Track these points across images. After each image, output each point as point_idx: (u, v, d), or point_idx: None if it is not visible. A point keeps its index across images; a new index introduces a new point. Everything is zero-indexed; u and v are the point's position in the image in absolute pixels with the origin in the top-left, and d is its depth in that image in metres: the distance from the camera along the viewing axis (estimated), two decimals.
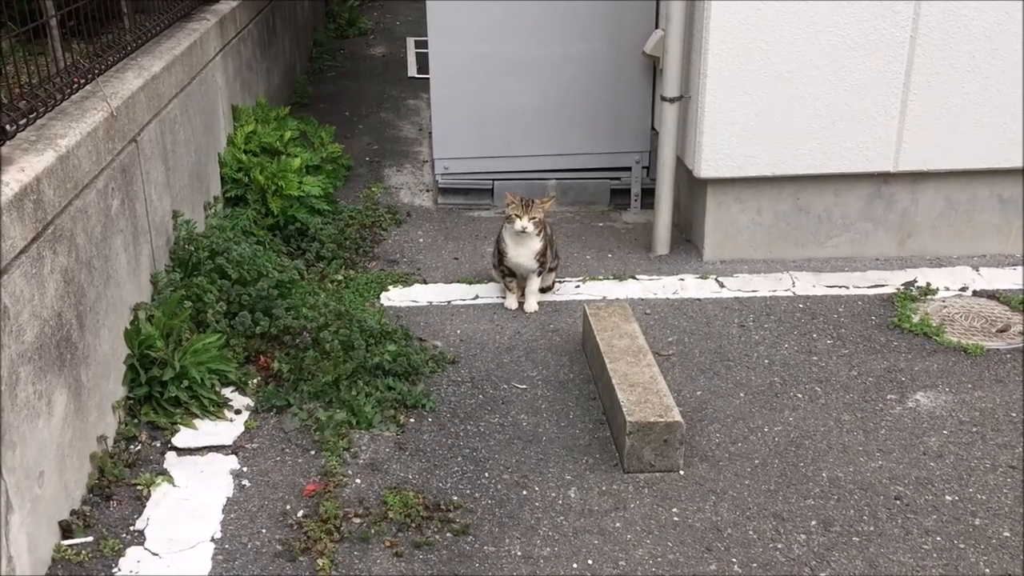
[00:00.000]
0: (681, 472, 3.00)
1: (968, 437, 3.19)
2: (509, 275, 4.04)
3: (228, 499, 2.84)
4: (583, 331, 3.74)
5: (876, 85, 4.21)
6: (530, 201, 3.89)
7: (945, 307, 4.05)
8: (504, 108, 5.03)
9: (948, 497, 2.90)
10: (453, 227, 4.94)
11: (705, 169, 4.31)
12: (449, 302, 4.13)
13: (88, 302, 2.79)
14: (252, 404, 3.29)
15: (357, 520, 2.77)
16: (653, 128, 5.01)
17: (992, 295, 4.15)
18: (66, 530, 2.59)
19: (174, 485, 2.87)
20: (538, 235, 3.90)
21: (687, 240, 4.71)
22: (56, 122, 2.79)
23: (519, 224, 3.84)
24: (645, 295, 4.19)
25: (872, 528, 2.77)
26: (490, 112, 5.03)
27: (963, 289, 4.22)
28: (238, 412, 3.25)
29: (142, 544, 2.63)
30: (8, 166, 2.43)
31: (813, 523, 2.79)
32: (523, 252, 3.92)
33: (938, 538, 2.73)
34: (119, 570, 2.54)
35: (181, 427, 3.11)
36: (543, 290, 4.13)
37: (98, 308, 2.87)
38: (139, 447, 3.01)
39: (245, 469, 2.98)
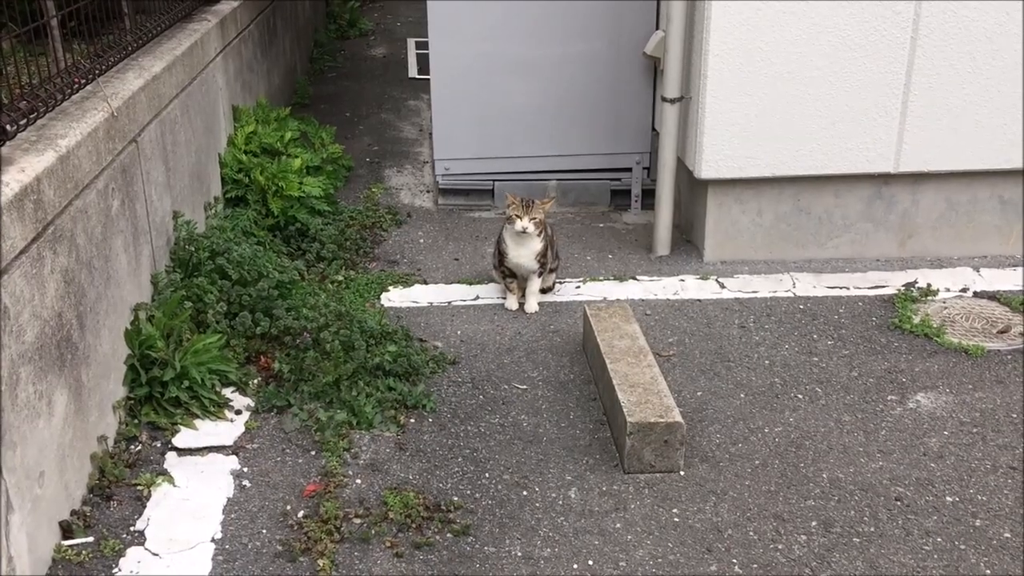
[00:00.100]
0: (681, 473, 3.00)
1: (969, 438, 3.19)
2: (510, 276, 4.04)
3: (228, 499, 2.84)
4: (584, 332, 3.73)
5: (877, 86, 4.21)
6: (531, 202, 3.89)
7: (946, 308, 4.05)
8: (505, 109, 5.03)
9: (949, 498, 2.90)
10: (453, 228, 4.94)
11: (706, 170, 4.31)
12: (449, 303, 4.13)
13: (88, 302, 2.79)
14: (252, 404, 3.29)
15: (357, 520, 2.76)
16: (654, 129, 5.01)
17: (993, 296, 4.15)
18: (66, 530, 2.59)
19: (174, 485, 2.87)
20: (539, 236, 3.90)
21: (688, 241, 4.71)
22: (57, 122, 2.79)
23: (520, 225, 3.84)
24: (646, 296, 4.18)
25: (873, 529, 2.77)
26: (491, 113, 5.04)
27: (964, 290, 4.22)
28: (238, 412, 3.24)
29: (142, 544, 2.63)
30: (8, 166, 2.43)
31: (814, 524, 2.79)
32: (524, 253, 3.92)
33: (939, 539, 2.73)
34: (119, 570, 2.54)
35: (181, 427, 3.11)
36: (544, 291, 4.13)
37: (98, 308, 2.87)
38: (139, 447, 3.01)
39: (245, 469, 2.98)
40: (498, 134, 5.08)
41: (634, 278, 4.36)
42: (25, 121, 2.61)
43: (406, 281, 4.30)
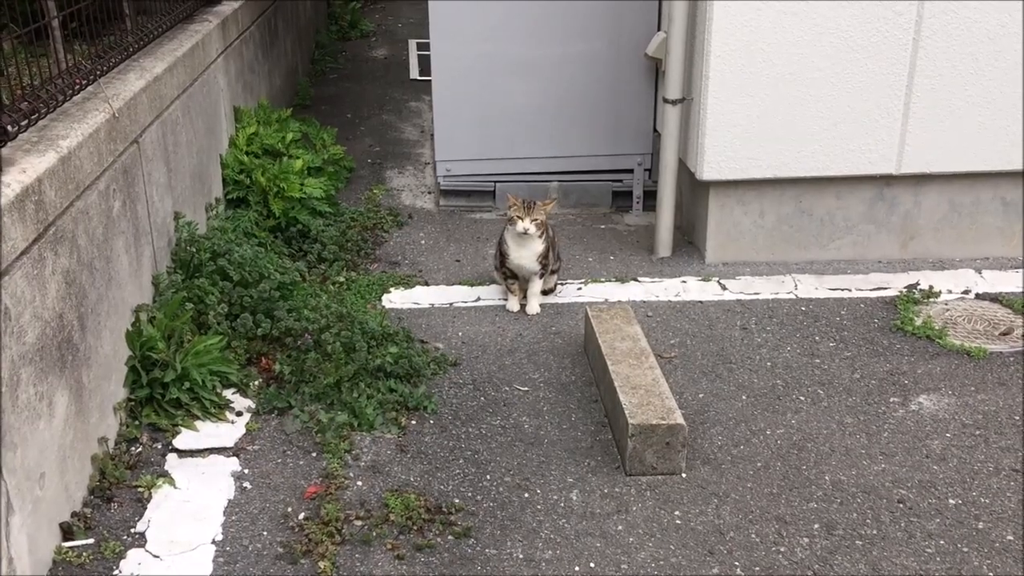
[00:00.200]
0: (683, 475, 3.00)
1: (971, 440, 3.18)
2: (511, 277, 4.04)
3: (229, 501, 2.83)
4: (585, 333, 3.73)
5: (879, 87, 4.20)
6: (532, 203, 3.89)
7: (948, 310, 4.04)
8: (506, 110, 5.03)
9: (951, 500, 2.89)
10: (455, 229, 4.93)
11: (707, 171, 4.30)
12: (451, 304, 4.13)
13: (89, 303, 2.79)
14: (253, 406, 3.29)
15: (358, 522, 2.76)
16: (655, 130, 5.01)
17: (995, 298, 4.15)
18: (67, 532, 2.58)
19: (175, 487, 2.86)
20: (540, 237, 3.89)
21: (689, 242, 4.71)
22: (58, 123, 2.79)
23: (521, 226, 3.83)
24: (647, 297, 4.18)
25: (875, 531, 2.76)
26: (492, 114, 5.03)
27: (966, 292, 4.21)
28: (239, 414, 3.24)
29: (143, 546, 2.63)
30: (10, 167, 2.43)
31: (816, 526, 2.78)
32: (525, 254, 3.92)
33: (941, 542, 2.72)
34: (120, 572, 2.53)
35: (182, 429, 3.11)
36: (545, 292, 4.13)
37: (99, 309, 2.87)
38: (140, 449, 3.00)
39: (246, 471, 2.97)
40: (500, 135, 5.08)
41: (636, 280, 4.36)
42: (26, 122, 2.60)
43: (407, 282, 4.30)
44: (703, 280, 4.34)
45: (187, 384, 3.14)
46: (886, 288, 4.25)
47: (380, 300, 4.11)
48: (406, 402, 3.31)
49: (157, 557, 2.59)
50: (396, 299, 4.14)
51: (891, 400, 3.41)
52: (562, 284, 4.26)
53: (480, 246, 4.70)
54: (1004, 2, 4.10)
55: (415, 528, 2.74)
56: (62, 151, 2.62)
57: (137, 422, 3.07)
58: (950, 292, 4.20)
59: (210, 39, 4.41)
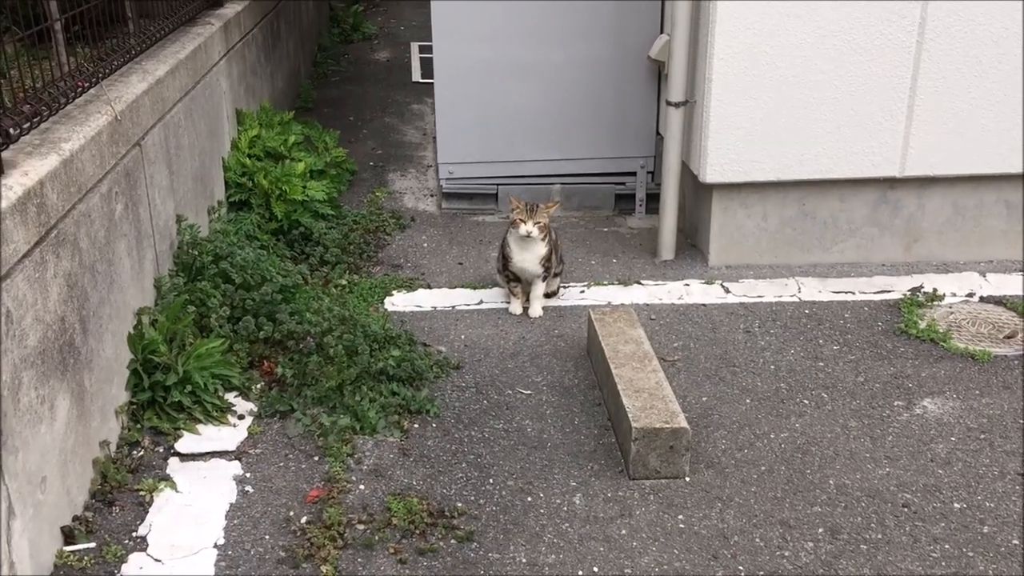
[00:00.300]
0: (687, 479, 2.98)
1: (976, 444, 3.17)
2: (514, 280, 4.03)
3: (231, 505, 2.82)
4: (588, 336, 3.72)
5: (882, 90, 4.19)
6: (535, 206, 3.88)
7: (952, 313, 4.03)
8: (509, 112, 5.02)
9: (956, 504, 2.88)
10: (457, 232, 4.92)
11: (711, 174, 4.29)
12: (453, 307, 4.12)
13: (91, 306, 2.78)
14: (255, 409, 3.28)
15: (361, 527, 2.75)
16: (658, 133, 5.00)
17: (999, 301, 4.13)
18: (68, 536, 2.57)
19: (177, 491, 2.86)
20: (543, 240, 3.89)
21: (692, 245, 4.70)
22: (60, 126, 2.78)
23: (524, 229, 3.82)
24: (650, 300, 4.17)
25: (880, 536, 2.75)
26: (495, 116, 5.03)
27: (970, 295, 4.20)
28: (241, 417, 3.23)
29: (144, 550, 2.62)
30: (11, 170, 2.42)
31: (820, 530, 2.77)
32: (528, 257, 3.91)
33: (946, 546, 2.71)
34: None
35: (184, 432, 3.10)
36: (548, 295, 4.12)
37: (101, 312, 2.86)
38: (142, 452, 3.00)
39: (248, 475, 2.97)
40: (502, 138, 5.07)
41: (639, 282, 4.35)
42: (28, 124, 2.60)
43: (410, 285, 4.29)
44: (706, 283, 4.33)
45: (189, 387, 3.13)
46: (890, 291, 4.24)
47: (382, 303, 4.11)
48: (408, 405, 3.30)
49: (159, 561, 2.58)
50: (398, 302, 4.14)
51: (895, 404, 3.40)
52: (565, 287, 4.25)
53: (483, 249, 4.69)
54: (1007, 3, 4.08)
55: (418, 532, 2.73)
56: (64, 154, 2.61)
57: (139, 425, 3.06)
58: (954, 295, 4.19)
59: (212, 42, 4.41)
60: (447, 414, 3.32)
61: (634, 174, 5.13)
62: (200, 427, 3.14)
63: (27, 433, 2.34)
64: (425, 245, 4.76)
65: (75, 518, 2.64)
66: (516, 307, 4.04)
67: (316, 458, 3.06)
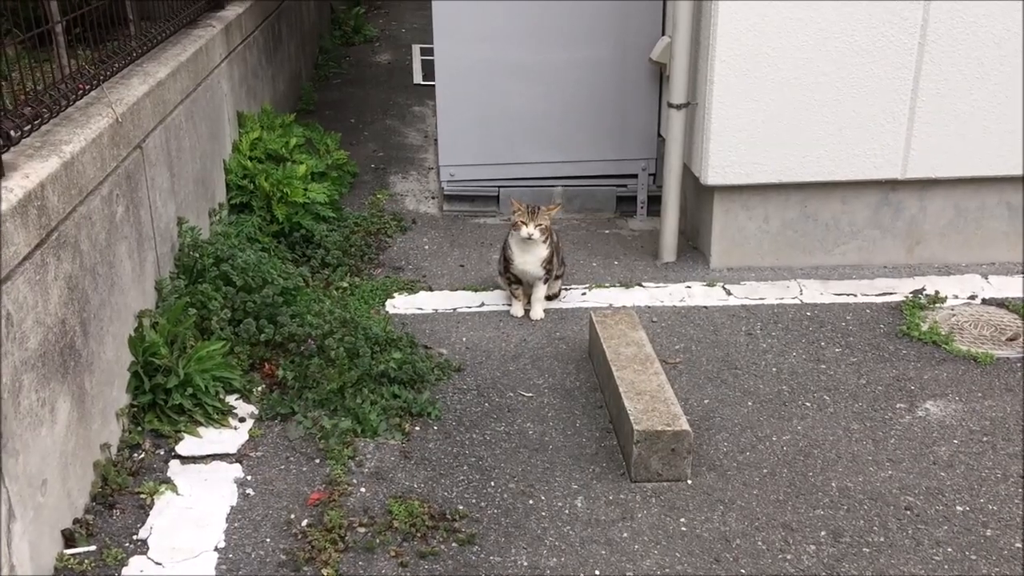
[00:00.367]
0: (689, 481, 2.98)
1: (979, 447, 3.16)
2: (515, 282, 4.03)
3: (232, 508, 2.82)
4: (589, 339, 3.71)
5: (884, 92, 4.19)
6: (536, 208, 3.88)
7: (954, 315, 4.02)
8: (510, 114, 5.02)
9: (959, 507, 2.87)
10: (459, 234, 4.92)
11: (712, 176, 4.29)
12: (455, 309, 4.11)
13: (92, 309, 2.78)
14: (256, 412, 3.27)
15: (362, 530, 2.74)
16: (660, 135, 5.00)
17: (1001, 303, 4.13)
18: (69, 539, 2.57)
19: (177, 494, 2.85)
20: (544, 242, 3.88)
21: (694, 247, 4.69)
22: (61, 128, 2.78)
23: (525, 231, 3.82)
24: (652, 303, 4.16)
25: (882, 539, 2.74)
26: (496, 118, 5.02)
27: (972, 297, 4.19)
28: (242, 420, 3.23)
29: (145, 553, 2.61)
30: (12, 172, 2.42)
31: (823, 533, 2.76)
32: (529, 259, 3.90)
33: (949, 549, 2.70)
34: None
35: (185, 435, 3.09)
36: (549, 297, 4.11)
37: (102, 315, 2.86)
38: (143, 455, 2.99)
39: (249, 478, 2.96)
40: (503, 140, 5.07)
41: (640, 285, 4.34)
42: (29, 127, 2.60)
43: (411, 288, 4.28)
44: (708, 285, 4.32)
45: (190, 390, 3.13)
46: (892, 293, 4.23)
47: (384, 305, 4.10)
48: (410, 408, 3.30)
49: (159, 564, 2.58)
50: (400, 304, 4.13)
51: (898, 406, 3.39)
52: (566, 289, 4.25)
53: (484, 251, 4.69)
54: (1010, 3, 4.08)
55: (419, 535, 2.72)
56: (65, 156, 2.61)
57: (140, 428, 3.06)
58: (956, 297, 4.18)
59: (214, 44, 4.41)
60: (448, 417, 3.31)
61: (635, 176, 5.12)
62: (201, 430, 3.13)
63: (27, 436, 2.34)
64: (426, 247, 4.76)
65: (75, 521, 2.63)
66: (517, 309, 4.04)
67: (317, 461, 3.05)
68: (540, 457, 3.10)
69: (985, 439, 3.20)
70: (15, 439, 2.27)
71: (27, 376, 2.35)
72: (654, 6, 4.84)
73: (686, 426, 2.95)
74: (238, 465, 3.01)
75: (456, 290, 4.29)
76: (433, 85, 5.13)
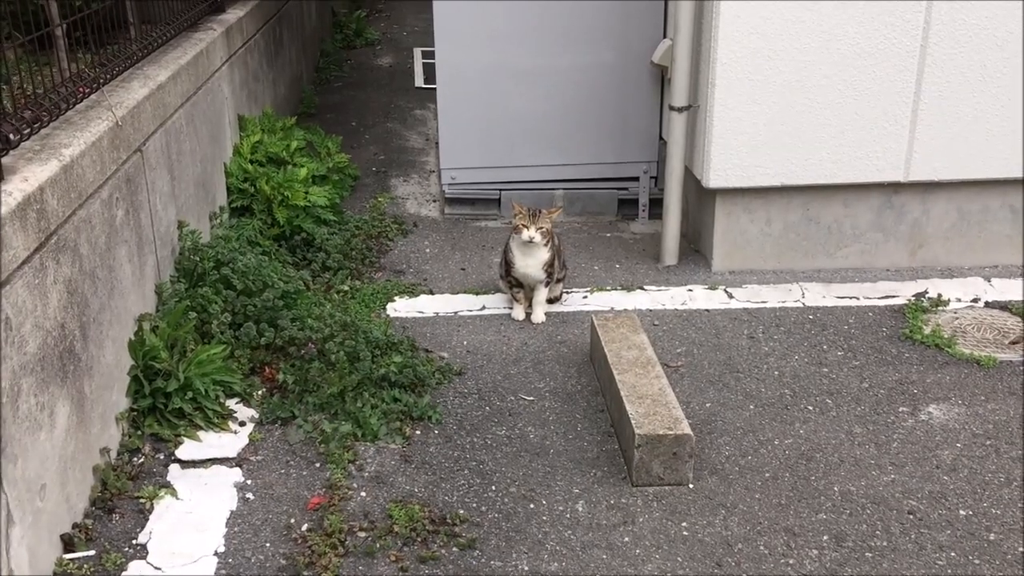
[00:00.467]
0: (691, 485, 2.97)
1: (982, 450, 3.15)
2: (516, 286, 4.02)
3: (232, 512, 2.81)
4: (591, 342, 3.70)
5: (886, 94, 4.18)
6: (537, 211, 3.87)
7: (957, 318, 4.01)
8: (511, 117, 5.01)
9: (962, 511, 2.86)
10: (460, 237, 4.91)
11: (714, 179, 4.28)
12: (456, 313, 4.10)
13: (91, 313, 2.77)
14: (257, 416, 3.27)
15: (362, 534, 2.73)
16: (661, 138, 4.99)
17: (1004, 306, 4.11)
18: (68, 544, 2.56)
19: (177, 498, 2.84)
20: (545, 245, 3.87)
21: (696, 251, 4.68)
22: (61, 131, 2.77)
23: (526, 234, 3.81)
24: (653, 306, 4.15)
25: (885, 543, 2.73)
26: (497, 121, 5.02)
27: (975, 300, 4.18)
28: (242, 424, 3.22)
29: (144, 558, 2.60)
30: (11, 175, 2.41)
31: (825, 538, 2.75)
32: (530, 262, 3.89)
33: (952, 553, 2.69)
34: None
35: (185, 439, 3.08)
36: (550, 301, 4.10)
37: (102, 319, 2.85)
38: (142, 459, 2.98)
39: (249, 482, 2.95)
40: (505, 143, 5.06)
41: (642, 288, 4.33)
42: (29, 130, 2.59)
43: (412, 291, 4.28)
44: (709, 288, 4.31)
45: (190, 394, 3.12)
46: (894, 296, 4.22)
47: (384, 309, 4.09)
48: (410, 412, 3.29)
49: (159, 569, 2.57)
50: (400, 308, 4.12)
51: (900, 410, 3.38)
52: (568, 292, 4.24)
53: (485, 254, 4.68)
54: (1011, 3, 4.07)
55: (419, 539, 2.71)
56: (64, 159, 2.60)
57: (139, 432, 3.05)
58: (959, 300, 4.17)
59: (214, 47, 4.40)
60: (449, 420, 3.30)
61: (637, 179, 5.11)
62: (201, 434, 3.12)
63: (26, 440, 2.33)
64: (427, 250, 4.75)
65: (75, 525, 2.62)
66: (519, 313, 4.03)
67: (317, 465, 3.04)
68: (541, 461, 3.09)
69: (988, 443, 3.18)
70: (14, 444, 2.26)
71: (26, 380, 2.34)
72: (655, 8, 4.83)
73: (688, 430, 2.93)
74: (238, 469, 3.00)
75: (457, 293, 4.29)
76: (434, 88, 5.13)
